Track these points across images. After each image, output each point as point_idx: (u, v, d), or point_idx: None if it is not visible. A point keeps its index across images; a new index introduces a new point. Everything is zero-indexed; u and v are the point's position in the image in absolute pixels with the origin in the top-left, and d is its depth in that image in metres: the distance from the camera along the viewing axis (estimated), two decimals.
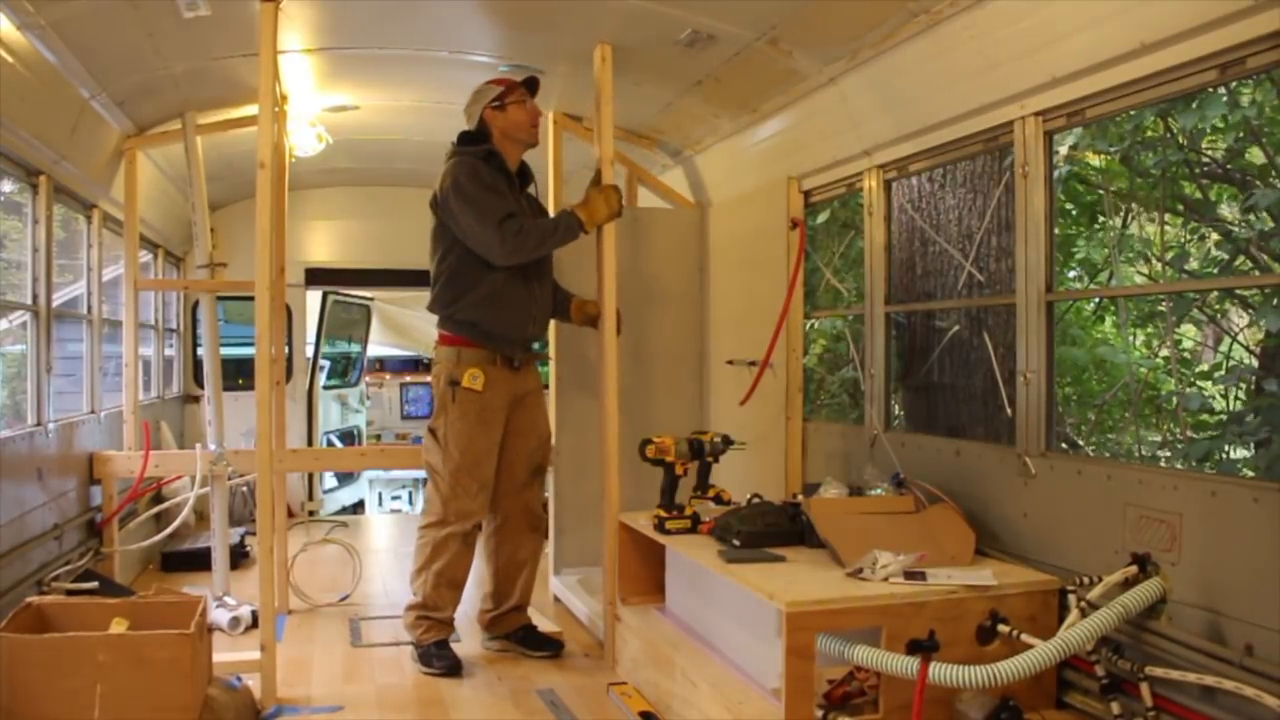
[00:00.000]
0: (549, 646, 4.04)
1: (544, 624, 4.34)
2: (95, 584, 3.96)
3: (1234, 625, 2.42)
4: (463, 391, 3.74)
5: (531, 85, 3.88)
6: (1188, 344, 6.77)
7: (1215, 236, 5.86)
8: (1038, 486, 3.08)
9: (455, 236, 3.74)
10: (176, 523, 4.85)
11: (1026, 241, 3.13)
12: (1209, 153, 5.60)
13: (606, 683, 3.64)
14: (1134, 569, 2.59)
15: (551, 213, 4.19)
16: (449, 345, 3.80)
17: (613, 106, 3.95)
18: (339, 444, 8.79)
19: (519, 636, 4.05)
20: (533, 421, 3.98)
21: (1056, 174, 3.28)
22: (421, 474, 4.04)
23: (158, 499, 5.43)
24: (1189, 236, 6.12)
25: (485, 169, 3.73)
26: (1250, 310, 5.79)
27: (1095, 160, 5.87)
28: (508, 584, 4.04)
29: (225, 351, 5.27)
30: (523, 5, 3.79)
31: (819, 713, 2.70)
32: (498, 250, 3.65)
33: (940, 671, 2.43)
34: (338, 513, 8.14)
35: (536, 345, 4.10)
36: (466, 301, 3.76)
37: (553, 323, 4.79)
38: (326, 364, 8.93)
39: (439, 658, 3.80)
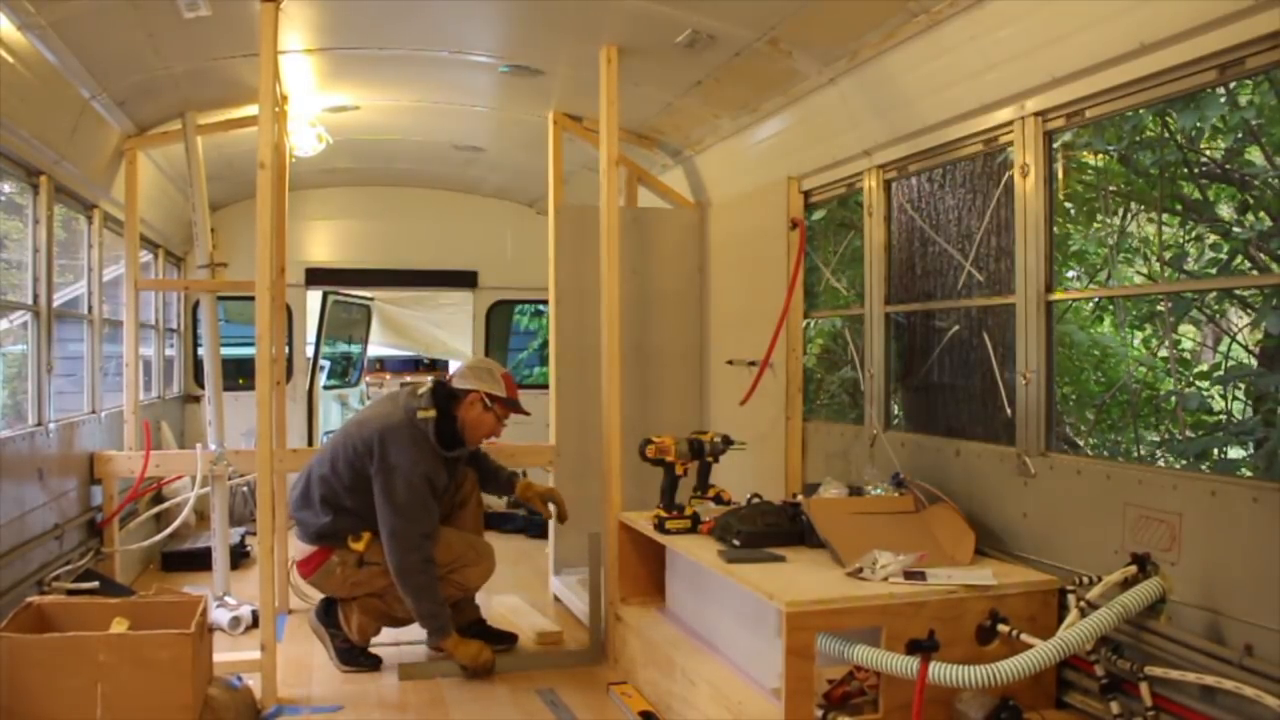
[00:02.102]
0: (505, 640, 4.08)
1: (544, 624, 4.35)
2: (96, 584, 3.96)
3: (1234, 625, 2.42)
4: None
5: (521, 410, 3.95)
6: (1187, 344, 6.77)
7: (1214, 237, 5.86)
8: (1037, 486, 3.08)
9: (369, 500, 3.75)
10: (177, 523, 4.85)
11: (1026, 242, 3.13)
12: (1208, 153, 5.60)
13: (606, 682, 3.64)
14: (1134, 569, 2.60)
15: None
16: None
17: (617, 108, 3.95)
18: None
19: (475, 634, 4.01)
20: None
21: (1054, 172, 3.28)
22: None
23: (158, 499, 5.43)
24: (1187, 236, 6.12)
25: (432, 459, 3.75)
26: (1250, 310, 5.79)
27: (1094, 160, 5.87)
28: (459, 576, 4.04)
29: (225, 351, 5.27)
30: (523, 5, 3.79)
31: (819, 712, 2.71)
32: (393, 559, 3.69)
33: (940, 671, 2.43)
34: None
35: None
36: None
37: (553, 324, 4.80)
38: (326, 364, 8.92)
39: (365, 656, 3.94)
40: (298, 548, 3.92)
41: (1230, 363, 6.15)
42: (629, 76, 4.03)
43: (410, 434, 3.74)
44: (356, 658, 3.88)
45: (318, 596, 4.75)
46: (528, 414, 3.98)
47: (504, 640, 4.08)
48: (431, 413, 3.77)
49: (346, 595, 3.88)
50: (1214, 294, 5.80)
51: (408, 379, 11.96)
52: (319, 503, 3.82)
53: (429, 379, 3.95)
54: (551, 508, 4.17)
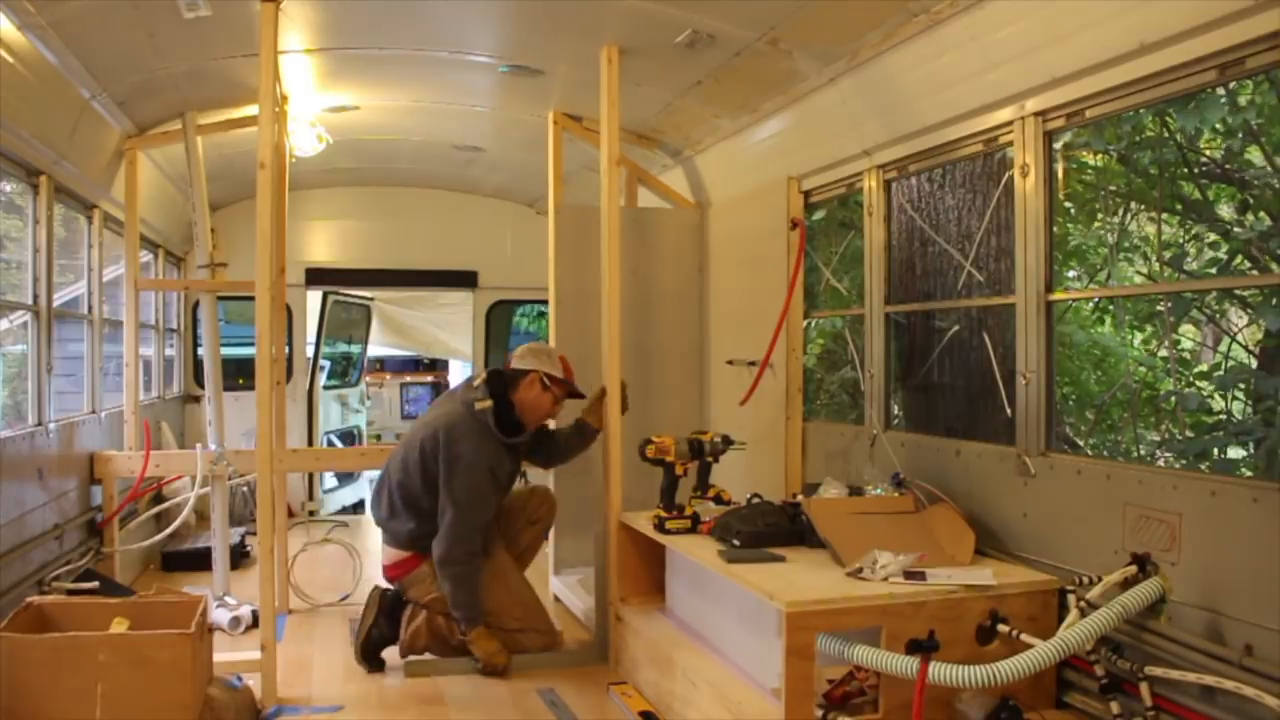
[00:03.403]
0: None
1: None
2: (96, 584, 3.96)
3: (1234, 625, 2.42)
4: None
5: (573, 395, 4.00)
6: (1187, 344, 6.76)
7: (1213, 236, 5.86)
8: (1037, 486, 3.08)
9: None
10: (177, 523, 4.85)
11: (1026, 242, 3.13)
12: (1207, 153, 5.60)
13: (606, 682, 3.64)
14: (1134, 569, 2.59)
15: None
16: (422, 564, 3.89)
17: (618, 108, 3.95)
18: (339, 444, 8.78)
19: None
20: None
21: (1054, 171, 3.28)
22: None
23: (158, 499, 5.43)
24: (1187, 236, 6.12)
25: (495, 448, 3.82)
26: (1249, 310, 5.79)
27: (1094, 160, 5.87)
28: None
29: (225, 351, 5.27)
30: (523, 6, 3.79)
31: (819, 712, 2.71)
32: (441, 544, 3.76)
33: (940, 671, 2.43)
34: (338, 513, 8.13)
35: None
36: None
37: (553, 324, 4.80)
38: (326, 364, 8.92)
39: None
40: (388, 553, 3.97)
41: (1230, 363, 6.14)
42: (629, 76, 4.03)
43: (471, 426, 3.80)
44: (372, 657, 3.87)
45: (318, 597, 4.76)
46: (583, 395, 4.01)
47: None
48: (488, 403, 3.83)
49: (425, 602, 3.88)
50: (1214, 294, 5.80)
51: (408, 379, 11.99)
52: (402, 508, 3.87)
53: (483, 371, 4.02)
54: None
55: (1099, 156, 5.84)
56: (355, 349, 9.85)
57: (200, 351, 6.42)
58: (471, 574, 3.79)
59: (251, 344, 4.21)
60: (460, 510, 3.75)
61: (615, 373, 3.94)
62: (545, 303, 4.99)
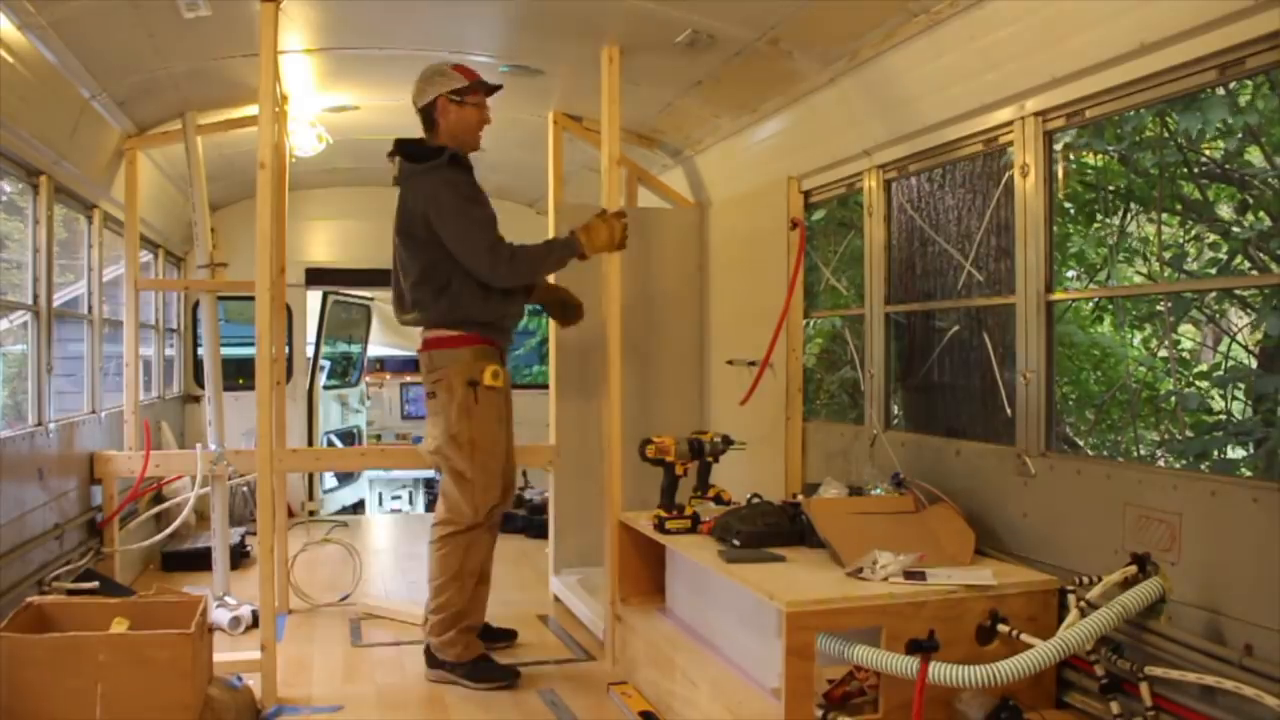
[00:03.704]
0: (505, 637, 4.09)
1: (543, 624, 4.35)
2: (96, 584, 3.96)
3: (1234, 625, 2.42)
4: (485, 391, 3.65)
5: (489, 90, 3.73)
6: (1187, 344, 6.77)
7: (1213, 237, 5.86)
8: (1037, 486, 3.08)
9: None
10: (177, 523, 4.85)
11: (1026, 242, 3.13)
12: (1207, 153, 5.60)
13: (606, 683, 3.64)
14: (1134, 569, 2.60)
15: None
16: (460, 346, 3.67)
17: (619, 108, 3.95)
18: (339, 444, 8.78)
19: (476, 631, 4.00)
20: (512, 414, 3.91)
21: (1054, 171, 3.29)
22: (421, 474, 3.97)
23: (158, 499, 5.43)
24: (1187, 236, 6.12)
25: (471, 183, 3.65)
26: (1249, 310, 5.79)
27: (1094, 160, 5.87)
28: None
29: (225, 351, 5.27)
30: (523, 5, 3.79)
31: (819, 712, 2.71)
32: (489, 273, 3.57)
33: (940, 671, 2.43)
34: (338, 513, 8.14)
35: None
36: (474, 302, 3.66)
37: (553, 327, 4.81)
38: (326, 364, 8.93)
39: (495, 669, 3.67)
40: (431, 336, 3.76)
41: (1230, 363, 6.15)
42: (629, 76, 4.03)
43: (427, 169, 3.61)
44: (488, 671, 3.66)
45: (318, 597, 4.76)
46: (499, 87, 3.72)
47: (504, 637, 4.09)
48: (423, 141, 3.68)
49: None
50: (1214, 294, 5.80)
51: (408, 379, 11.97)
52: (424, 296, 3.67)
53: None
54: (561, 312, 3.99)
55: (1099, 157, 5.84)
56: (355, 349, 9.86)
57: (200, 351, 6.42)
58: (527, 254, 3.61)
59: (251, 344, 4.21)
60: (474, 232, 3.52)
61: (616, 372, 3.94)
62: None
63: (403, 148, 3.73)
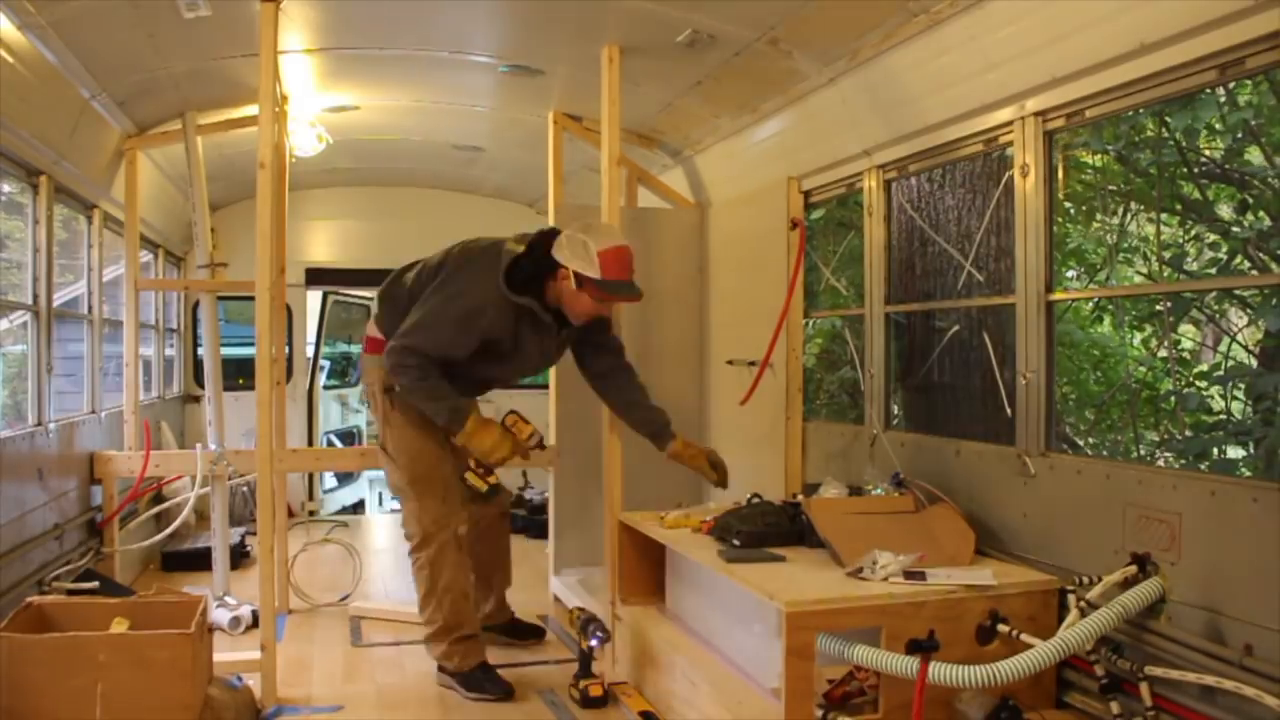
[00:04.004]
0: (534, 634, 4.14)
1: (543, 624, 4.35)
2: (96, 584, 3.96)
3: (1234, 625, 2.42)
4: (399, 398, 3.54)
5: (617, 296, 3.51)
6: (1187, 344, 6.77)
7: (1213, 237, 5.86)
8: (1037, 486, 3.08)
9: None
10: (177, 523, 4.85)
11: (1026, 242, 3.13)
12: (1207, 153, 5.60)
13: (607, 682, 3.64)
14: (1134, 569, 2.60)
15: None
16: (379, 350, 3.52)
17: (619, 108, 3.95)
18: (339, 444, 8.78)
19: (504, 628, 4.10)
20: None
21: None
22: None
23: (158, 499, 5.43)
24: (1187, 236, 6.12)
25: (492, 294, 3.38)
26: (1249, 310, 5.79)
27: (1093, 160, 5.87)
28: (488, 581, 4.08)
29: (225, 351, 5.27)
30: (523, 5, 3.79)
31: (819, 712, 2.71)
32: (387, 357, 3.39)
33: (940, 671, 2.43)
34: (338, 513, 8.13)
35: None
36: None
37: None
38: (326, 364, 8.92)
39: (490, 681, 3.60)
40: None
41: (1230, 362, 6.15)
42: (629, 76, 4.03)
43: (483, 259, 3.41)
44: (481, 683, 3.58)
45: (318, 597, 4.76)
46: (636, 298, 3.52)
47: (533, 634, 4.14)
48: (520, 248, 3.42)
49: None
50: (1214, 294, 5.80)
51: None
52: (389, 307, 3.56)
53: (540, 230, 3.54)
54: (713, 472, 3.73)
55: (1099, 156, 5.84)
56: (355, 349, 9.85)
57: (200, 351, 6.42)
58: (426, 386, 3.34)
59: (251, 344, 4.21)
60: (425, 316, 3.34)
61: None
62: None
63: (519, 264, 3.44)
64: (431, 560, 3.59)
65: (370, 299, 9.57)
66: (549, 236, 3.49)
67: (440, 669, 3.69)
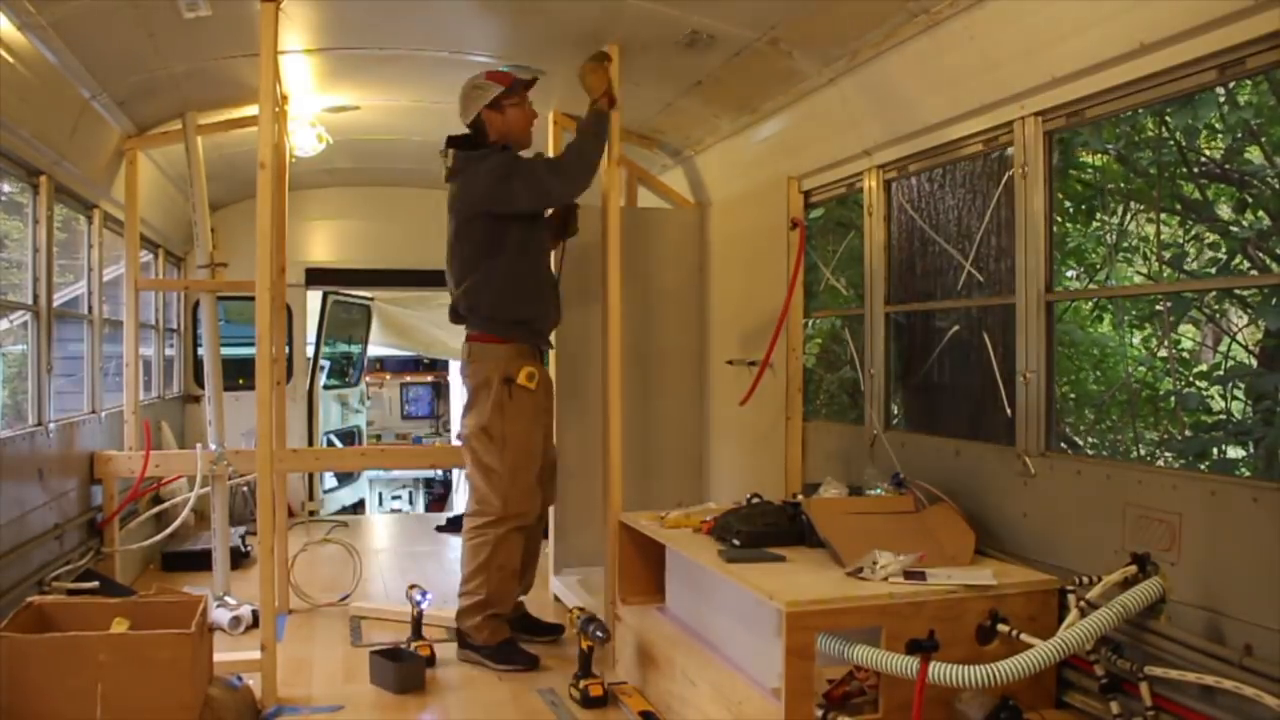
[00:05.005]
0: (552, 631, 4.16)
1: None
2: (96, 584, 3.97)
3: (1234, 625, 2.42)
4: (519, 389, 3.79)
5: (527, 86, 3.90)
6: (1187, 344, 6.77)
7: (1213, 236, 5.86)
8: (1037, 486, 3.08)
9: (495, 240, 3.78)
10: (177, 523, 4.85)
11: (1026, 242, 3.13)
12: (1206, 153, 5.60)
13: (607, 682, 3.64)
14: (1134, 569, 2.60)
15: None
16: (498, 343, 3.83)
17: (619, 108, 3.95)
18: (339, 444, 8.79)
19: (522, 625, 4.12)
20: (553, 416, 4.10)
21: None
22: (421, 474, 4.03)
23: (158, 499, 5.43)
24: (1187, 236, 6.12)
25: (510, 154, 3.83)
26: (1249, 310, 5.79)
27: (1093, 160, 5.87)
28: (520, 576, 4.10)
29: (225, 351, 5.28)
30: (523, 5, 3.79)
31: (819, 712, 2.71)
32: (562, 188, 3.78)
33: (940, 671, 2.43)
34: (338, 513, 8.14)
35: None
36: (514, 301, 3.83)
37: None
38: (326, 364, 8.93)
39: (518, 653, 3.84)
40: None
41: (1230, 362, 6.14)
42: (629, 76, 4.03)
43: (474, 155, 3.82)
44: (510, 655, 3.84)
45: (318, 597, 4.76)
46: (534, 81, 3.92)
47: (551, 631, 4.17)
48: (466, 137, 3.89)
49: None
50: (1213, 294, 5.80)
51: (408, 379, 11.99)
52: (474, 294, 3.84)
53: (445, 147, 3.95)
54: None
55: (1098, 156, 5.84)
56: (355, 349, 9.86)
57: (200, 351, 6.42)
58: (584, 154, 3.79)
59: (251, 344, 4.21)
60: (529, 169, 3.76)
61: (616, 373, 3.94)
62: None
63: (455, 142, 3.90)
64: (500, 538, 3.82)
65: (370, 299, 9.62)
66: (464, 140, 3.92)
67: (465, 645, 3.87)
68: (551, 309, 4.01)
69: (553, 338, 4.26)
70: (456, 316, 4.01)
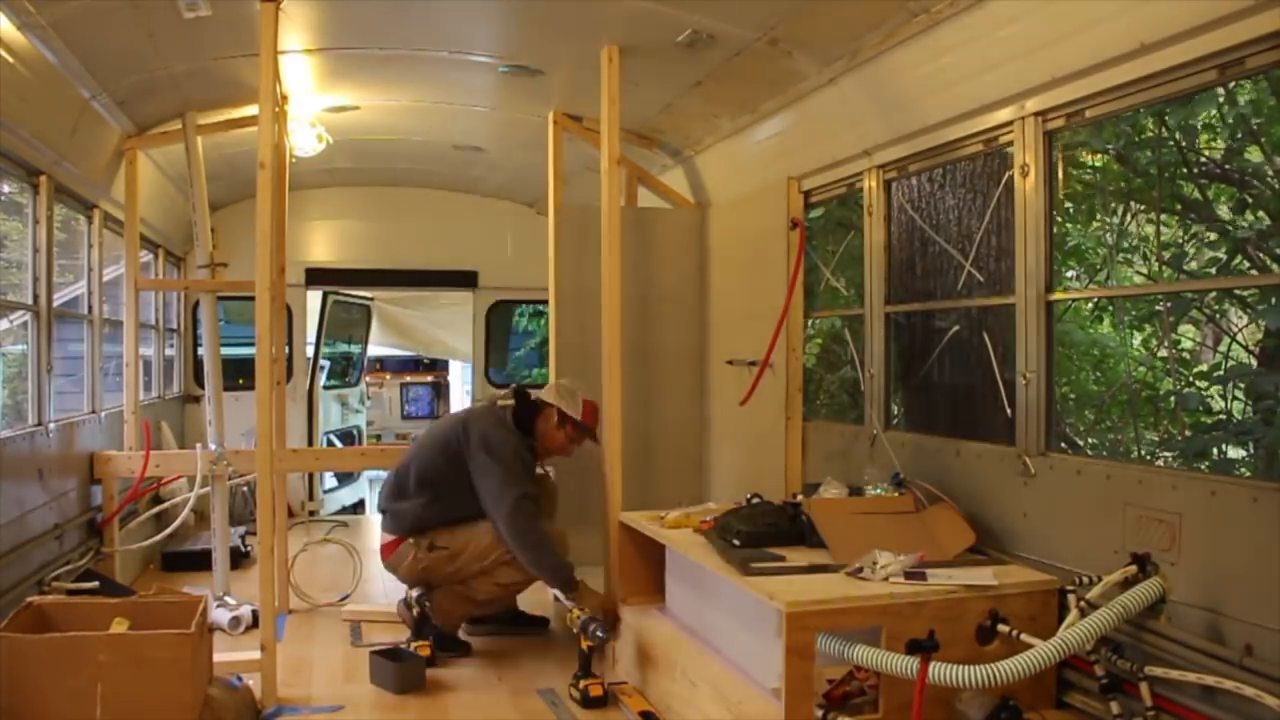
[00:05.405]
0: (537, 624, 4.23)
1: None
2: (96, 584, 3.97)
3: (1234, 625, 2.42)
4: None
5: (591, 438, 4.15)
6: (1187, 344, 6.76)
7: (1213, 236, 5.86)
8: (1037, 486, 3.08)
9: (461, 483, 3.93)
10: (176, 523, 4.85)
11: (1026, 242, 3.13)
12: (1206, 153, 5.60)
13: (607, 682, 3.64)
14: (1134, 569, 2.59)
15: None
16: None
17: (618, 108, 3.95)
18: (339, 444, 8.78)
19: (507, 618, 4.19)
20: None
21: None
22: None
23: (157, 499, 5.43)
24: (1187, 236, 6.12)
25: (518, 438, 4.02)
26: (1249, 310, 5.78)
27: (1093, 159, 5.87)
28: None
29: (225, 351, 5.28)
30: (523, 5, 3.79)
31: (819, 712, 2.71)
32: (505, 524, 3.83)
33: (940, 671, 2.43)
34: (338, 513, 8.14)
35: None
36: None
37: (553, 324, 4.81)
38: (326, 364, 8.92)
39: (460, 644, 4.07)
40: (383, 539, 4.10)
41: (1230, 362, 6.14)
42: (629, 76, 4.03)
43: (495, 417, 4.05)
44: (447, 644, 3.98)
45: (318, 597, 4.77)
46: (597, 442, 4.13)
47: (535, 625, 4.24)
48: (511, 401, 4.10)
49: (415, 579, 4.00)
50: (1213, 294, 5.80)
51: (408, 379, 11.98)
52: (415, 488, 3.98)
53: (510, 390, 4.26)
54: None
55: (1099, 156, 5.84)
56: (355, 349, 9.85)
57: (200, 351, 6.42)
58: (543, 540, 3.88)
59: (251, 344, 4.21)
60: (507, 484, 3.84)
61: (616, 372, 3.94)
62: (545, 303, 4.99)
63: (517, 395, 4.16)
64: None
65: (370, 299, 9.61)
66: (524, 394, 4.19)
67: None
68: None
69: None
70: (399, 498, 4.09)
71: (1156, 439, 5.93)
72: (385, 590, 5.12)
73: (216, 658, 3.27)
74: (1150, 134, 5.45)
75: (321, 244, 7.47)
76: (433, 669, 3.81)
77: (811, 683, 2.70)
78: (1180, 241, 6.11)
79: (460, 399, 11.93)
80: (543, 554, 3.85)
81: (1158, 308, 5.98)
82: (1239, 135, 5.27)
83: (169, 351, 6.85)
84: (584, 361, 4.66)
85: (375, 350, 10.88)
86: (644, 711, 3.34)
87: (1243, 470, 5.36)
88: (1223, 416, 5.58)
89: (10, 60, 3.31)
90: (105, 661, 2.74)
